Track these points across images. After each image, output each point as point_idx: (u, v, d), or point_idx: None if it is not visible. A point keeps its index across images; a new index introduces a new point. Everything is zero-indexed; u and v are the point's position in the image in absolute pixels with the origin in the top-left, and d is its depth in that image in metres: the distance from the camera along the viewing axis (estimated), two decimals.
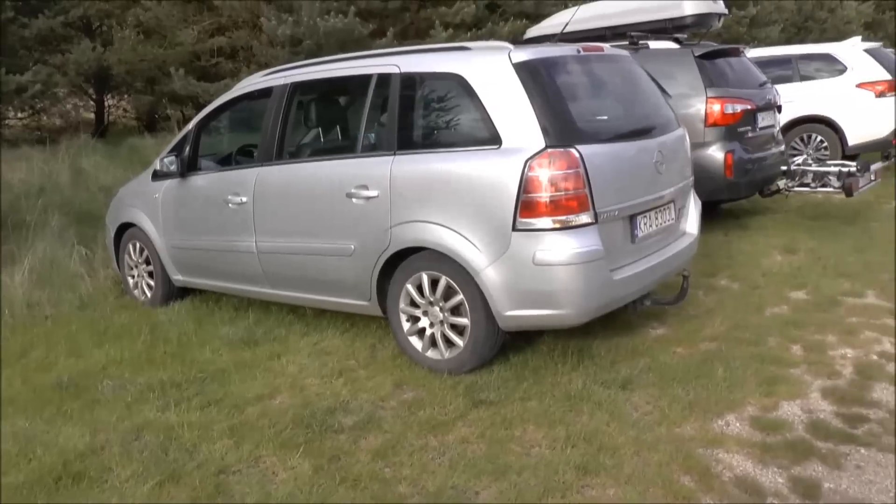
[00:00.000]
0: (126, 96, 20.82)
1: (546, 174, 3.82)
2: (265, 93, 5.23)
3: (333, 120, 5.47)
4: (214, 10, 15.83)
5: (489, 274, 4.01)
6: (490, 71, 4.08)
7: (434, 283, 4.29)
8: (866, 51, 10.15)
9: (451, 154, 4.18)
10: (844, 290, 5.63)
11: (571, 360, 4.43)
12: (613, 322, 4.88)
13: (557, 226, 3.85)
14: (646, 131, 4.43)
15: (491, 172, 3.98)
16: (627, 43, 7.49)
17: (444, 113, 4.29)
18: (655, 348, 4.61)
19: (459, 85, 4.15)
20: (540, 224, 3.86)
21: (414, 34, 13.92)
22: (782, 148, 7.90)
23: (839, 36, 20.18)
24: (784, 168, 7.33)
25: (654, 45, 7.50)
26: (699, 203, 5.07)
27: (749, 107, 7.12)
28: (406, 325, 4.48)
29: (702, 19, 7.43)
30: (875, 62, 9.90)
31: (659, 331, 4.96)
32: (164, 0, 15.64)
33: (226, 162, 5.81)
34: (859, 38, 10.93)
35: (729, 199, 7.59)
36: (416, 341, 4.46)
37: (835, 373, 4.26)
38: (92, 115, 19.82)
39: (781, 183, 7.34)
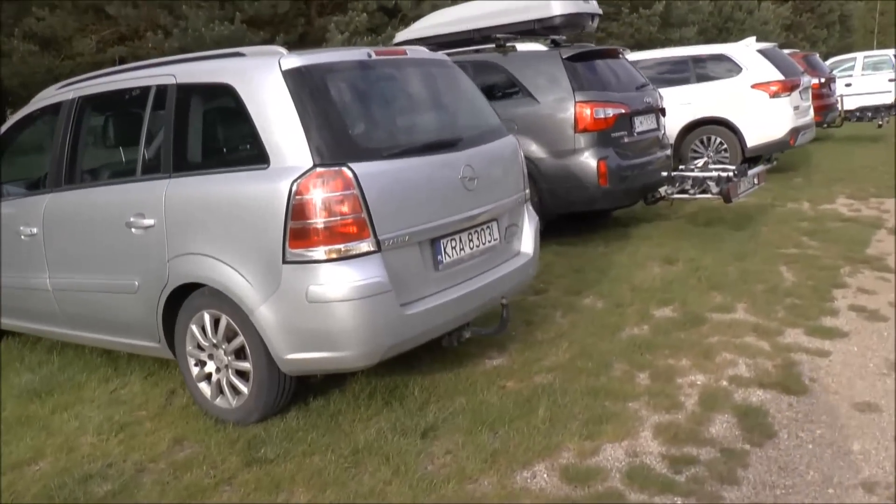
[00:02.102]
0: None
1: (316, 197, 3.30)
2: (55, 108, 4.62)
3: (118, 139, 4.86)
4: (112, 18, 15.06)
5: (263, 313, 3.46)
6: (258, 80, 3.54)
7: (217, 323, 3.74)
8: (760, 51, 9.88)
9: (221, 176, 3.66)
10: (713, 305, 5.21)
11: (377, 403, 3.90)
12: (444, 354, 4.36)
13: (333, 256, 3.32)
14: (449, 144, 3.90)
15: (257, 197, 3.45)
16: (494, 46, 7.06)
17: (217, 129, 3.76)
18: (481, 384, 4.09)
19: (230, 96, 3.61)
20: (312, 255, 3.33)
21: (311, 42, 13.37)
22: (668, 152, 7.52)
23: (758, 37, 20.22)
24: (665, 174, 6.92)
25: (521, 47, 7.07)
26: (536, 219, 4.58)
27: (623, 111, 6.71)
28: (194, 370, 3.91)
29: (572, 20, 7.00)
30: (768, 63, 9.62)
31: (495, 361, 4.45)
32: (60, 10, 14.84)
33: (31, 187, 5.17)
34: (754, 38, 10.68)
35: (607, 209, 7.15)
36: (204, 388, 3.90)
37: (676, 405, 3.80)
38: None
39: (663, 190, 6.93)
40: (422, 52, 4.30)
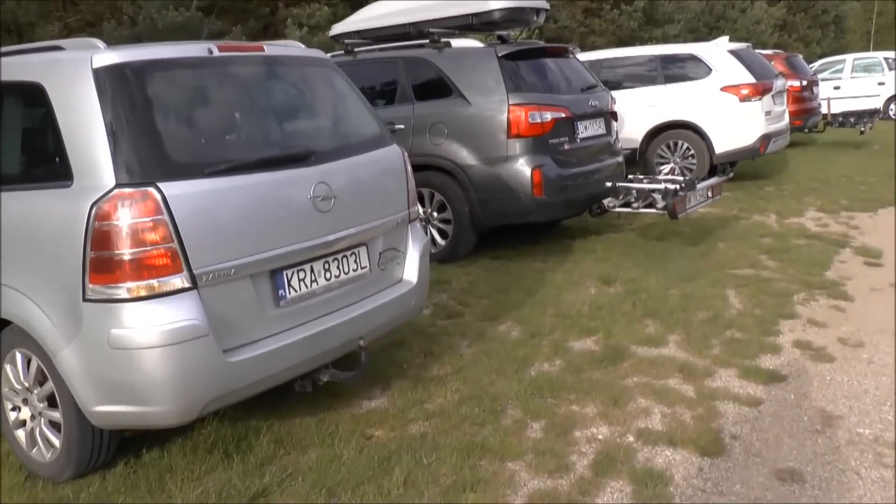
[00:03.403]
0: None
1: (117, 224, 2.73)
2: None
3: None
4: (77, 5, 14.51)
5: (67, 358, 2.90)
6: (68, 79, 2.94)
7: (29, 364, 3.18)
8: (732, 52, 9.24)
9: (27, 194, 3.07)
10: (642, 336, 4.63)
11: (216, 456, 3.33)
12: (318, 392, 3.76)
13: (138, 294, 2.75)
14: (296, 158, 3.30)
15: (56, 221, 2.88)
16: (428, 41, 6.46)
17: (26, 136, 3.15)
18: (344, 432, 3.52)
19: (40, 97, 3.01)
20: (114, 293, 2.75)
21: (273, 34, 12.78)
22: (619, 159, 6.93)
23: (749, 36, 19.59)
24: (609, 185, 6.33)
25: (456, 43, 6.47)
26: (424, 240, 4.00)
27: (563, 115, 6.11)
28: (11, 415, 3.35)
29: (513, 14, 6.40)
30: (740, 64, 8.99)
31: (374, 402, 3.87)
32: None
33: None
34: (726, 37, 10.05)
35: (543, 222, 6.56)
36: (21, 435, 3.33)
37: (564, 467, 3.22)
38: None
39: (607, 201, 6.34)
40: (290, 48, 3.71)
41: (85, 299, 2.79)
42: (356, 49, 7.04)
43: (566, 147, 6.17)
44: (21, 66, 3.19)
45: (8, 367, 3.26)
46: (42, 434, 3.22)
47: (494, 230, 6.60)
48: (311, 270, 3.27)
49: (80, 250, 2.77)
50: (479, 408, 3.73)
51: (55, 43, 3.20)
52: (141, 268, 2.74)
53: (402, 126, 6.42)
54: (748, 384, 3.97)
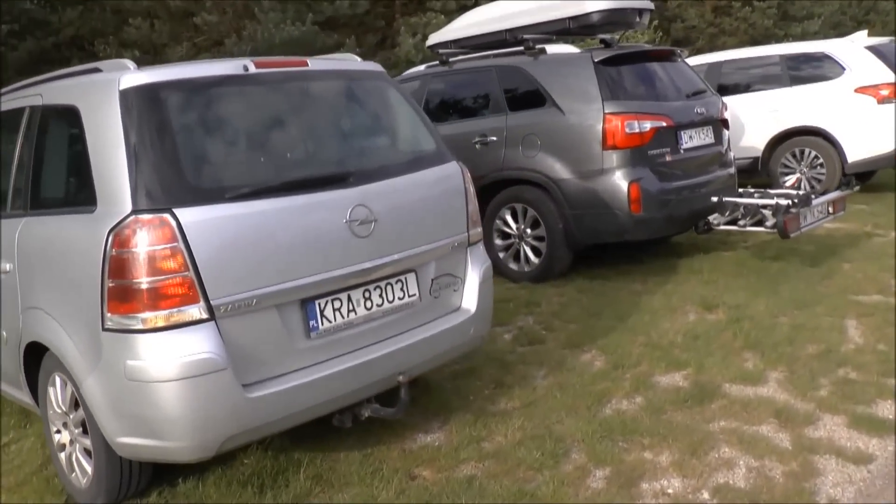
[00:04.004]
0: None
1: (133, 251, 2.64)
2: None
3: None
4: (201, 27, 15.25)
5: (91, 386, 2.86)
6: (97, 101, 2.91)
7: (66, 388, 3.16)
8: (870, 48, 8.30)
9: (58, 218, 3.08)
10: (739, 371, 4.13)
11: (251, 489, 3.21)
12: (371, 423, 3.55)
13: (153, 326, 2.65)
14: (332, 180, 3.09)
15: (79, 247, 2.85)
16: (523, 48, 6.16)
17: (64, 160, 3.14)
18: (388, 470, 3.30)
19: (76, 120, 3.00)
20: (130, 323, 2.67)
21: (390, 46, 12.82)
22: (730, 171, 6.35)
23: None
24: (714, 199, 5.78)
25: (552, 49, 6.13)
26: (486, 264, 3.71)
27: (664, 123, 5.64)
28: (55, 437, 3.35)
29: (613, 17, 5.98)
30: (879, 62, 8.06)
31: (428, 437, 3.63)
32: (155, 18, 15.18)
33: None
34: (865, 32, 9.09)
35: (643, 240, 6.09)
36: (63, 459, 3.33)
37: None
38: None
39: (712, 217, 5.80)
40: (342, 62, 3.54)
41: (104, 329, 2.73)
42: (451, 59, 6.83)
43: (668, 159, 5.70)
44: (62, 90, 3.20)
45: (51, 390, 3.26)
46: (77, 460, 3.20)
47: (595, 246, 6.20)
48: (349, 299, 3.07)
49: (97, 278, 2.71)
50: (540, 450, 3.40)
51: (94, 65, 3.17)
52: (156, 297, 2.63)
53: (495, 138, 6.16)
54: (858, 436, 3.43)
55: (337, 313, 3.03)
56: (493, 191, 6.24)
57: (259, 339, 2.81)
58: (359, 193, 3.08)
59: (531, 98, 6.05)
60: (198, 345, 2.66)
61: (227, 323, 2.72)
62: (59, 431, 3.32)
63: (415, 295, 3.32)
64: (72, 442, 3.23)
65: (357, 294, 3.10)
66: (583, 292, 5.78)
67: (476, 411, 3.86)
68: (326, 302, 3.00)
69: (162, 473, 3.30)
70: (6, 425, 4.11)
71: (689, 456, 3.32)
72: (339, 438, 3.56)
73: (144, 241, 2.62)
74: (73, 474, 3.24)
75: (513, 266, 6.26)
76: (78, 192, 2.91)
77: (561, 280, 6.09)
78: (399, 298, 3.25)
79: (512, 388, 4.14)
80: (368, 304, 3.13)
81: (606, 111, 5.53)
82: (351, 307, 3.07)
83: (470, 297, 3.58)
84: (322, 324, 2.98)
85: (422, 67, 7.68)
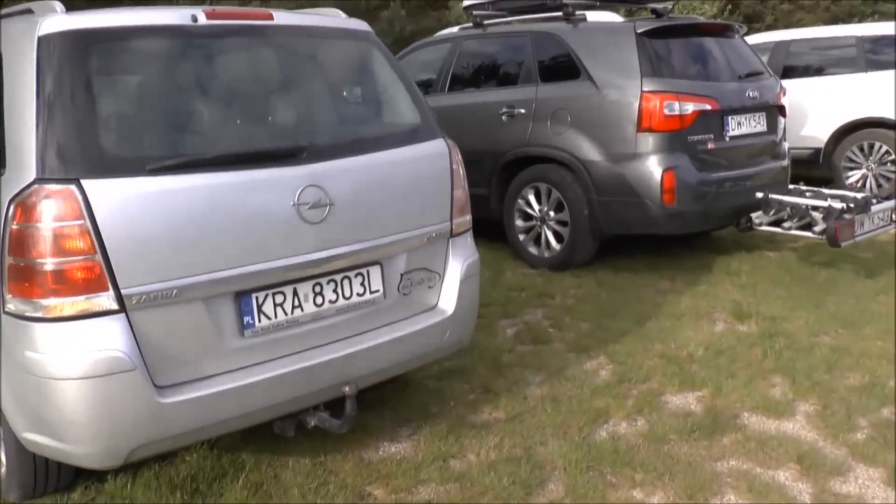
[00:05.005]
0: None
1: (32, 226, 2.26)
2: None
3: None
4: None
5: None
6: (18, 49, 2.50)
7: None
8: None
9: None
10: (763, 398, 3.61)
11: (179, 496, 2.84)
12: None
13: (53, 314, 2.28)
14: (281, 155, 2.63)
15: None
16: (562, 14, 5.60)
17: None
18: (340, 484, 2.92)
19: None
20: (27, 309, 2.29)
21: (443, 5, 12.24)
22: (783, 164, 5.71)
23: None
24: (760, 195, 5.17)
25: (593, 17, 5.56)
26: (471, 258, 3.24)
27: (708, 107, 5.04)
28: None
29: None
30: None
31: (393, 448, 3.23)
32: None
33: None
34: None
35: (674, 235, 5.52)
36: None
37: None
38: None
39: (755, 215, 5.20)
40: (320, 17, 3.06)
41: (4, 311, 2.35)
42: (486, 22, 6.30)
43: (710, 146, 5.11)
44: None
45: None
46: None
47: (625, 235, 5.66)
48: (295, 294, 2.64)
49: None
50: (513, 477, 2.96)
51: (27, 6, 2.74)
52: (57, 282, 2.25)
53: (523, 111, 5.65)
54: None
55: (278, 309, 2.61)
56: (516, 168, 5.76)
57: (181, 336, 2.42)
58: (310, 172, 2.62)
59: (565, 69, 5.50)
60: (103, 340, 2.27)
61: (140, 316, 2.32)
62: None
63: (378, 291, 2.87)
64: None
65: (305, 288, 2.67)
66: (603, 286, 5.27)
67: (452, 420, 3.43)
68: (266, 296, 2.58)
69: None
70: None
71: (685, 499, 2.84)
72: (295, 439, 3.16)
73: (47, 216, 2.23)
74: None
75: (532, 250, 5.77)
76: None
77: (582, 270, 5.58)
78: (358, 295, 2.81)
79: (500, 395, 3.69)
80: (319, 300, 2.70)
81: (645, 89, 4.96)
82: (296, 303, 2.65)
83: (448, 296, 3.12)
84: (259, 321, 2.56)
85: (455, 29, 7.15)
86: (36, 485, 2.76)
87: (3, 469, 2.79)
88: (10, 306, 2.32)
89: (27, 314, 2.28)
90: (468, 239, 3.24)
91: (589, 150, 5.24)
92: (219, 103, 2.70)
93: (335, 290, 2.74)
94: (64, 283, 2.24)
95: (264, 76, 2.83)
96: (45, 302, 2.25)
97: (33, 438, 2.46)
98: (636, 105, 4.97)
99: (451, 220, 3.10)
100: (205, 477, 2.96)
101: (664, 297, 5.04)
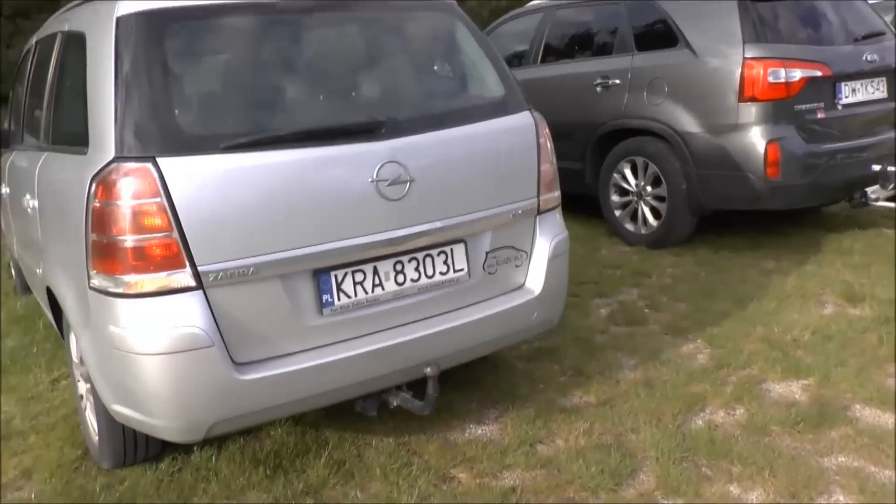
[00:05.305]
0: None
1: (112, 203, 2.28)
2: None
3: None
4: None
5: (85, 346, 2.61)
6: (100, 30, 2.52)
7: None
8: None
9: (62, 158, 2.79)
10: (877, 391, 3.32)
11: (262, 471, 2.86)
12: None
13: (133, 290, 2.30)
14: (360, 130, 2.56)
15: (73, 192, 2.51)
16: None
17: (74, 94, 2.81)
18: (423, 466, 2.85)
19: (83, 51, 2.66)
20: (110, 285, 2.33)
21: None
22: None
23: None
24: (877, 167, 4.79)
25: None
26: (559, 237, 3.09)
27: (818, 73, 4.69)
28: (78, 387, 3.16)
29: None
30: None
31: (478, 430, 3.15)
32: None
33: None
34: None
35: (779, 211, 5.18)
36: (82, 410, 3.14)
37: None
38: None
39: (871, 190, 4.82)
40: None
41: (90, 286, 2.40)
42: None
43: (820, 115, 4.77)
44: (79, 14, 2.87)
45: (70, 337, 3.02)
46: (90, 416, 2.97)
47: (727, 211, 5.38)
48: (375, 272, 2.59)
49: (82, 229, 2.38)
50: (602, 465, 2.84)
51: None
52: (136, 259, 2.27)
53: (618, 81, 5.42)
54: None
55: (358, 287, 2.56)
56: (612, 140, 5.55)
57: (259, 313, 2.40)
58: (389, 148, 2.55)
59: (662, 36, 5.24)
60: (181, 317, 2.28)
61: (217, 293, 2.32)
62: (80, 381, 3.11)
63: (462, 270, 2.79)
64: (86, 396, 3.00)
65: (386, 266, 2.61)
66: (702, 265, 5.03)
67: (541, 404, 3.32)
68: (345, 274, 2.53)
69: None
70: (61, 359, 4.00)
71: (787, 498, 2.65)
72: (380, 419, 3.13)
73: (125, 193, 2.25)
74: (89, 429, 3.02)
75: (629, 226, 5.57)
76: (78, 130, 2.57)
77: (680, 247, 5.35)
78: (441, 273, 2.74)
79: (591, 378, 3.56)
80: (400, 278, 2.64)
81: (747, 55, 4.65)
82: (377, 281, 2.59)
83: (536, 275, 3.00)
84: (338, 299, 2.52)
85: None
86: (126, 454, 2.85)
87: (97, 437, 2.88)
88: (95, 282, 2.36)
89: (110, 290, 2.31)
90: (556, 216, 3.11)
91: (687, 122, 4.98)
92: (295, 79, 2.66)
93: (417, 269, 2.67)
94: (143, 260, 2.26)
95: (342, 50, 2.77)
96: (125, 278, 2.27)
97: (120, 410, 2.51)
98: (738, 73, 4.68)
99: (538, 197, 2.98)
100: (288, 453, 2.98)
101: (768, 277, 4.76)
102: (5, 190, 4.10)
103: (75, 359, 3.00)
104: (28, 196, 3.17)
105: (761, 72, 4.59)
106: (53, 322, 3.26)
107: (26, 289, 4.81)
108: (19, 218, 3.61)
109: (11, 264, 5.31)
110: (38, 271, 3.15)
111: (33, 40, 3.91)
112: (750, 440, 2.99)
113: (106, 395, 2.55)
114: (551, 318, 3.14)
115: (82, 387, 3.03)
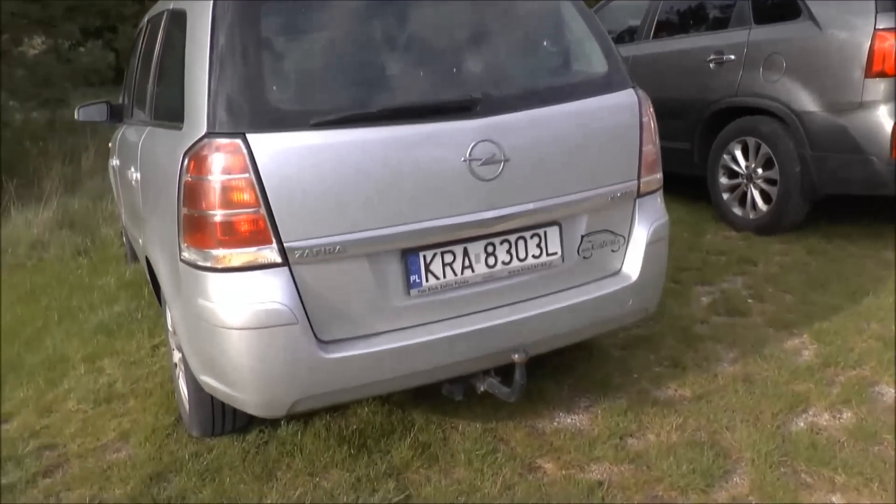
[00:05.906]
0: None
1: (204, 178, 2.31)
2: None
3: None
4: None
5: (176, 316, 2.68)
6: (199, 7, 2.54)
7: None
8: None
9: (161, 133, 2.87)
10: None
11: (346, 450, 2.88)
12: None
13: (222, 265, 2.32)
14: (454, 108, 2.47)
15: (168, 167, 2.56)
16: None
17: (175, 70, 2.85)
18: (509, 454, 2.81)
19: (183, 28, 2.69)
20: (200, 259, 2.36)
21: None
22: None
23: None
24: None
25: None
26: (658, 222, 2.94)
27: None
28: (173, 355, 3.26)
29: None
30: None
31: (568, 420, 3.07)
32: None
33: None
34: None
35: None
36: (175, 378, 3.25)
37: None
38: None
39: None
40: None
41: (181, 259, 2.45)
42: None
43: None
44: None
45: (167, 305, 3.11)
46: (182, 384, 3.06)
47: (842, 196, 5.03)
48: (465, 254, 2.53)
49: (174, 203, 2.44)
50: (694, 464, 2.71)
51: None
52: (224, 234, 2.30)
53: (733, 56, 5.14)
54: None
55: (447, 269, 2.51)
56: (723, 119, 5.28)
57: (345, 292, 2.39)
58: (483, 126, 2.47)
59: (783, 8, 4.91)
60: (266, 293, 2.30)
61: (303, 270, 2.32)
62: (174, 349, 3.20)
63: (555, 254, 2.69)
64: (179, 364, 3.10)
65: (476, 248, 2.55)
66: (813, 254, 4.73)
67: (634, 395, 3.21)
68: (434, 255, 2.49)
69: None
70: (163, 325, 4.15)
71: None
72: (468, 404, 3.09)
73: (215, 168, 2.27)
74: (182, 397, 3.12)
75: (737, 211, 5.30)
76: (176, 105, 2.62)
77: (790, 235, 5.05)
78: (534, 257, 2.65)
79: (687, 370, 3.41)
80: (491, 260, 2.57)
81: (879, 26, 4.29)
82: (466, 263, 2.53)
83: (633, 261, 2.87)
84: (426, 280, 2.48)
85: None
86: (214, 424, 2.93)
87: (188, 406, 2.96)
88: (186, 255, 2.41)
89: (199, 263, 2.35)
90: (657, 199, 2.96)
91: (805, 100, 4.66)
92: (388, 56, 2.61)
93: (509, 251, 2.60)
94: (231, 235, 2.28)
95: (438, 25, 2.69)
96: (214, 252, 2.30)
97: (207, 381, 2.57)
98: (867, 45, 4.32)
99: (638, 179, 2.84)
100: (373, 432, 2.98)
101: (886, 269, 4.43)
102: (116, 162, 4.27)
103: (170, 328, 3.09)
104: (133, 168, 3.28)
105: (893, 45, 4.23)
106: (154, 290, 3.37)
107: (135, 257, 5.03)
108: (126, 189, 3.75)
109: (123, 232, 5.55)
110: (140, 241, 3.25)
111: (146, 18, 4.02)
112: (857, 447, 2.79)
113: (195, 365, 2.61)
114: (648, 307, 3.01)
115: (176, 355, 3.13)
